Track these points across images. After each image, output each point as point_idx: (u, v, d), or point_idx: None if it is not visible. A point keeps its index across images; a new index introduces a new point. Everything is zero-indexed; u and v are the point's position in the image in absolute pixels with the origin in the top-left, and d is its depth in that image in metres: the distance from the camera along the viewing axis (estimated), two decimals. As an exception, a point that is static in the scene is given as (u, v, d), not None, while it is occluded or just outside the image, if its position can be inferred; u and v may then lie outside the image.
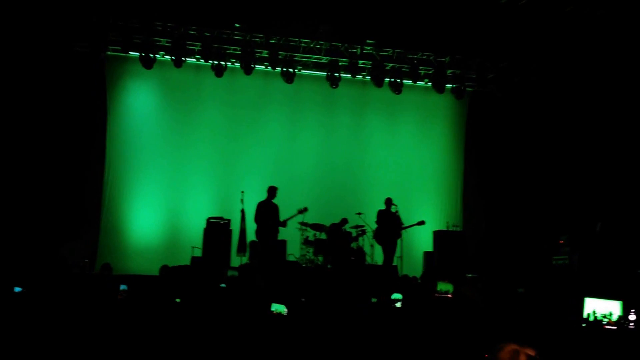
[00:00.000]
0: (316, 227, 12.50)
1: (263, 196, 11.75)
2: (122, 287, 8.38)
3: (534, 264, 11.76)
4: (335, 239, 12.20)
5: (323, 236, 12.44)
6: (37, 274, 8.89)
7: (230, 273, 10.24)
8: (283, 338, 5.40)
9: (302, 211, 11.98)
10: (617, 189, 12.15)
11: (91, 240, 12.82)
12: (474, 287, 10.27)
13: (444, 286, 10.32)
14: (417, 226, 12.37)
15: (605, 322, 6.56)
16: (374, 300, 9.31)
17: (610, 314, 6.61)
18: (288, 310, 6.46)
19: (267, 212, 11.52)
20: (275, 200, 11.72)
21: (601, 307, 6.66)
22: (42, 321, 5.54)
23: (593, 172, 12.77)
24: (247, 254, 11.96)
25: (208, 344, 5.43)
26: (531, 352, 2.86)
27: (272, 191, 11.75)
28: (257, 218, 11.50)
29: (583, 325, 6.54)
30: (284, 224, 11.63)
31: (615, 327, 6.46)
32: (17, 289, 6.93)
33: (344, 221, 12.33)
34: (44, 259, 10.42)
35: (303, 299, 7.17)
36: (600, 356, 5.05)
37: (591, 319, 6.63)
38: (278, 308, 6.52)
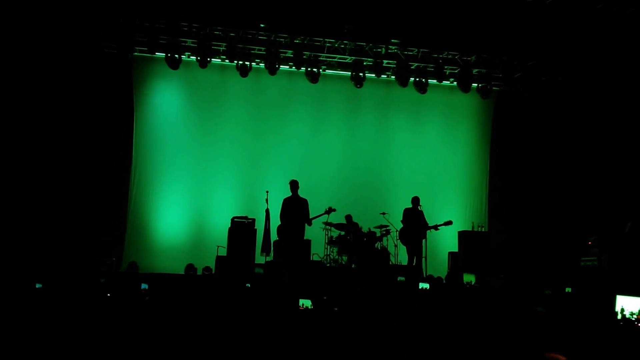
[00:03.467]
0: (340, 226, 12.49)
1: (288, 195, 11.66)
2: (143, 286, 8.47)
3: (561, 265, 11.58)
4: (358, 239, 12.16)
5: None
6: (64, 271, 8.99)
7: (256, 270, 10.32)
8: (311, 331, 5.39)
9: (329, 211, 11.86)
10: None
11: (118, 239, 12.96)
12: (499, 277, 10.27)
13: (467, 277, 10.49)
14: (443, 226, 12.24)
15: (635, 320, 6.42)
16: (401, 279, 9.46)
17: None
18: (313, 305, 6.56)
19: (294, 208, 11.33)
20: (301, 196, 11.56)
21: (631, 305, 6.53)
22: (63, 317, 5.60)
23: (622, 172, 12.54)
24: (272, 253, 11.95)
25: (234, 342, 5.43)
26: (562, 358, 2.80)
27: (293, 186, 11.37)
28: (282, 214, 11.37)
29: (619, 323, 6.41)
30: (309, 222, 11.45)
31: None
32: (39, 285, 7.04)
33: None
34: (71, 257, 10.55)
35: (325, 297, 7.21)
36: (635, 354, 4.95)
37: (619, 317, 6.50)
38: (305, 303, 6.67)
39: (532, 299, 9.01)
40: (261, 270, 10.56)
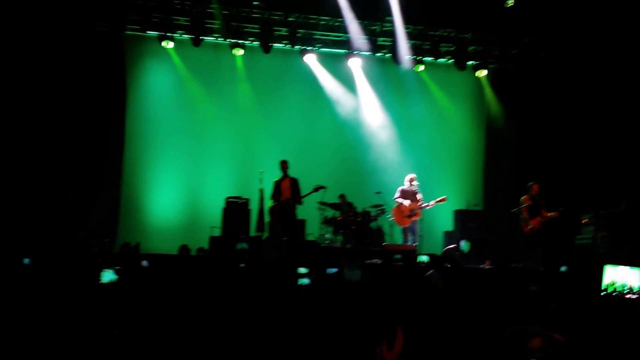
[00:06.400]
0: (335, 206, 12.47)
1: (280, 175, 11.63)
2: (144, 263, 8.46)
3: (556, 244, 11.54)
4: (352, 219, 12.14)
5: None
6: (55, 252, 8.95)
7: (239, 246, 10.33)
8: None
9: (318, 189, 11.73)
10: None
11: (111, 220, 12.91)
12: (494, 246, 10.37)
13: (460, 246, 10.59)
14: (438, 203, 12.15)
15: (626, 292, 6.39)
16: (397, 256, 9.47)
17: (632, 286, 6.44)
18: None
19: (285, 188, 11.32)
20: (295, 176, 11.52)
21: (620, 277, 6.51)
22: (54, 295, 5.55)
23: (617, 150, 12.46)
24: (265, 234, 11.92)
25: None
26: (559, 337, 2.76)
27: (282, 166, 11.41)
28: (274, 195, 11.39)
29: (609, 295, 6.39)
30: (300, 200, 11.43)
31: (637, 296, 6.28)
32: (26, 261, 7.01)
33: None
34: (63, 238, 10.50)
35: (313, 276, 7.26)
36: (623, 325, 4.93)
37: (610, 290, 6.47)
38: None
39: (527, 277, 9.02)
40: (245, 245, 10.55)
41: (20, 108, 12.11)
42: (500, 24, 13.45)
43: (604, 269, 6.58)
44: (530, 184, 11.56)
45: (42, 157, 12.23)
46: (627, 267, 6.52)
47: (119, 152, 13.34)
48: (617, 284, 6.48)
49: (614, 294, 6.38)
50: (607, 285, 6.52)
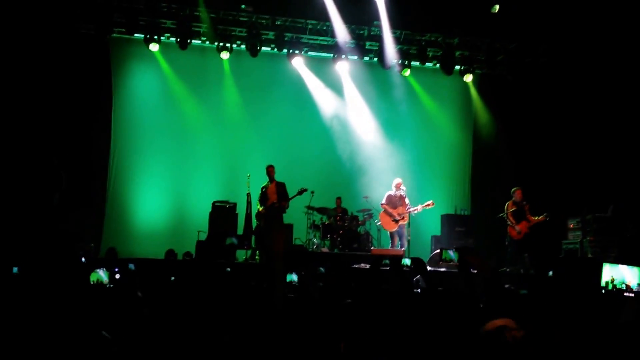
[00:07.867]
0: (323, 210, 12.41)
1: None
2: (130, 266, 8.38)
3: (543, 249, 11.58)
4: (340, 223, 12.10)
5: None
6: (41, 257, 8.81)
7: (229, 241, 10.42)
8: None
9: (302, 192, 11.54)
10: (629, 172, 11.93)
11: (96, 224, 12.73)
12: (479, 256, 10.34)
13: (448, 255, 10.49)
14: (425, 207, 12.13)
15: (624, 289, 6.42)
16: (385, 261, 9.53)
17: (630, 285, 6.47)
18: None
19: (272, 192, 11.20)
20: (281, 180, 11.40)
21: (619, 275, 6.55)
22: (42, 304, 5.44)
23: (604, 154, 12.54)
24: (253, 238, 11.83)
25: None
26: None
27: (268, 170, 11.03)
28: (261, 199, 11.28)
29: (609, 292, 6.41)
30: (287, 204, 11.28)
31: (634, 295, 6.31)
32: (15, 270, 6.88)
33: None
34: (48, 243, 10.34)
35: (302, 273, 7.25)
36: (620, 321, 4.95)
37: (610, 287, 6.50)
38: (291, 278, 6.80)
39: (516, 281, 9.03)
40: (234, 241, 10.58)
41: (4, 110, 11.92)
42: (487, 29, 13.51)
43: (602, 267, 6.62)
44: (513, 189, 11.59)
45: (26, 160, 12.03)
46: (626, 266, 6.57)
47: (104, 155, 13.20)
48: (616, 282, 6.52)
49: (613, 290, 6.42)
50: (606, 282, 6.55)
